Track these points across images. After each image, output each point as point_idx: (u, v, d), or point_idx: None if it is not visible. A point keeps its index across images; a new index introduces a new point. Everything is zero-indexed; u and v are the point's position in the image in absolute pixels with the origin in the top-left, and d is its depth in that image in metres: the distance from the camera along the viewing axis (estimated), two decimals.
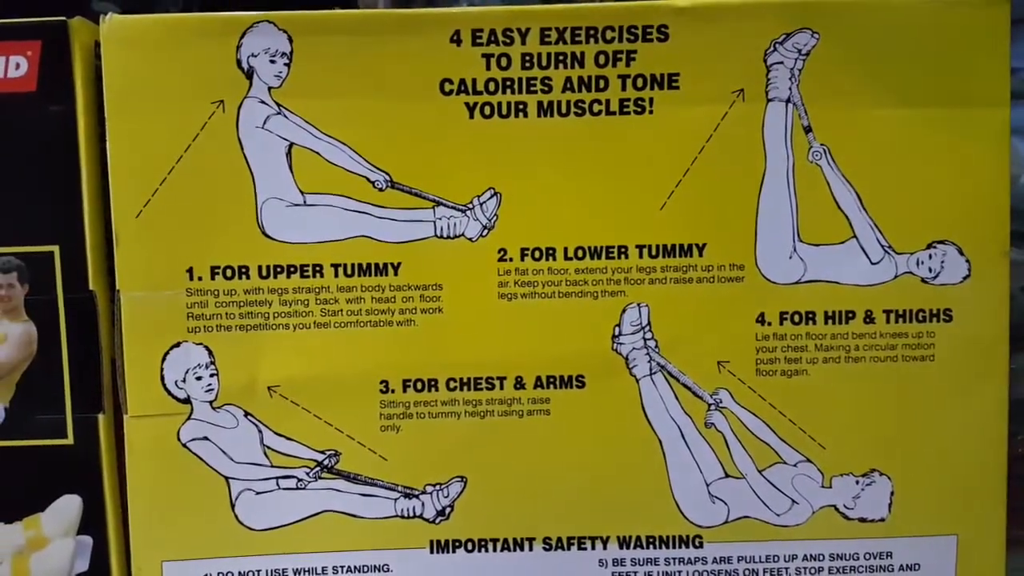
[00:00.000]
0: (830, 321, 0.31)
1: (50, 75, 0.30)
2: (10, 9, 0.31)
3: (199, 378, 0.31)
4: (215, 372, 0.31)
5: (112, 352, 0.31)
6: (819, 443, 0.31)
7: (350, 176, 0.31)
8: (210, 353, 0.31)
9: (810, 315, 0.31)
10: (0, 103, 0.30)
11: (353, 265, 0.31)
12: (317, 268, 0.31)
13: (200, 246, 0.31)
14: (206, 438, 0.31)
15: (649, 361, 0.31)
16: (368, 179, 0.31)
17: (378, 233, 0.31)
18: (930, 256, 0.31)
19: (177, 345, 0.31)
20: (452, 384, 0.32)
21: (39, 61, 0.30)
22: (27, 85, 0.30)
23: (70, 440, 0.31)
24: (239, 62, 0.30)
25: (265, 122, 0.30)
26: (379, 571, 0.32)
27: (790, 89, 0.30)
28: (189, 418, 0.31)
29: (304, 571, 0.32)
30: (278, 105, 0.30)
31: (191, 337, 0.31)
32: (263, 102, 0.30)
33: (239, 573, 0.32)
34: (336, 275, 0.31)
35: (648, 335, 0.31)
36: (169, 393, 0.31)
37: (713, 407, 0.31)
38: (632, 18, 0.30)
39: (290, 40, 0.30)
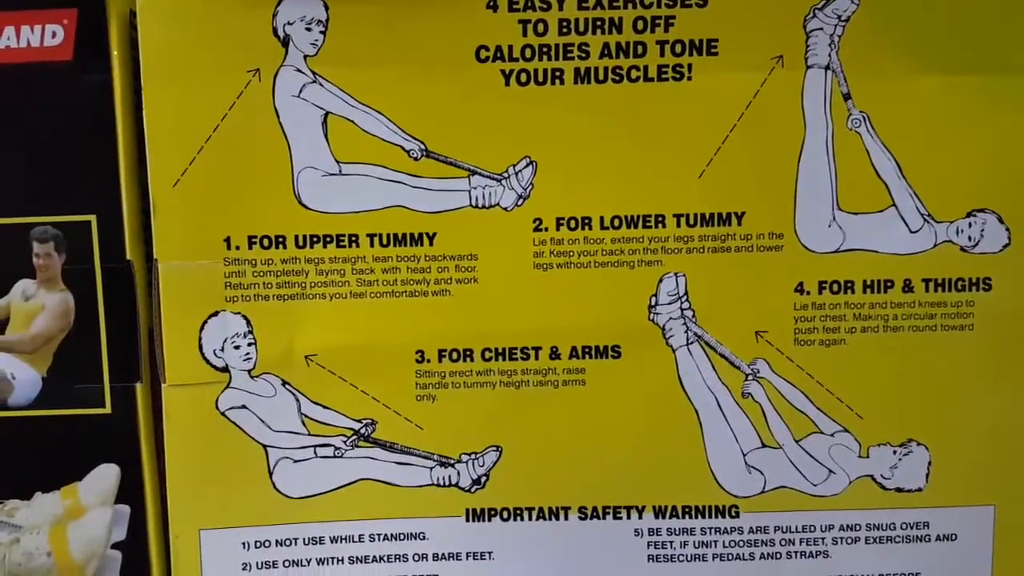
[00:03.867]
0: (869, 290, 0.35)
1: (86, 44, 0.34)
2: None
3: (237, 347, 0.35)
4: (253, 341, 0.36)
5: (149, 322, 0.36)
6: (856, 413, 0.36)
7: (385, 145, 0.35)
8: (248, 322, 0.35)
9: (849, 284, 0.35)
10: (36, 72, 0.34)
11: (389, 235, 0.35)
12: (353, 238, 0.35)
13: (237, 215, 0.35)
14: (244, 407, 0.36)
15: (686, 331, 0.35)
16: (403, 148, 0.35)
17: (413, 203, 0.35)
18: (970, 224, 0.35)
19: (215, 314, 0.35)
20: (487, 354, 0.36)
21: (75, 30, 0.34)
22: (63, 54, 0.34)
23: (108, 409, 0.36)
24: (275, 30, 0.34)
25: (301, 91, 0.35)
26: (415, 539, 0.37)
27: (829, 56, 0.34)
28: (227, 387, 0.36)
29: (341, 539, 0.37)
30: (314, 73, 0.34)
31: (229, 306, 0.35)
32: (299, 70, 0.34)
33: (276, 541, 0.36)
34: (372, 245, 0.35)
35: (685, 305, 0.35)
36: (207, 362, 0.35)
37: (750, 377, 0.36)
38: None
39: (326, 7, 0.34)
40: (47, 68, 0.34)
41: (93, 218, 0.35)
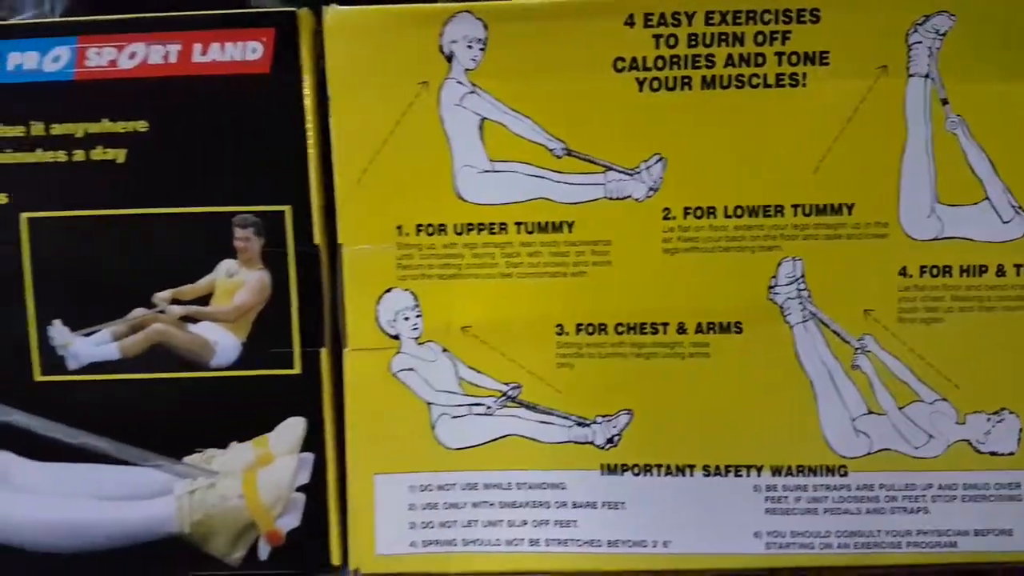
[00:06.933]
0: (965, 274, 0.44)
1: (282, 58, 0.44)
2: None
3: (407, 318, 0.46)
4: (419, 314, 0.46)
5: (333, 296, 0.47)
6: (954, 383, 0.44)
7: (532, 145, 0.44)
8: (415, 297, 0.46)
9: (947, 268, 0.44)
10: (239, 83, 0.45)
11: (533, 223, 0.45)
12: (502, 226, 0.46)
13: (407, 207, 0.45)
14: (412, 369, 0.46)
15: (802, 309, 0.45)
16: (547, 148, 0.45)
17: (555, 195, 0.45)
18: None
19: (389, 291, 0.46)
20: (620, 328, 0.46)
21: (273, 46, 0.45)
22: (262, 67, 0.45)
23: (297, 370, 0.47)
24: (441, 47, 0.44)
25: (462, 100, 0.45)
26: (555, 488, 0.47)
27: (928, 65, 0.42)
28: (398, 352, 0.46)
29: (492, 485, 0.47)
30: (472, 84, 0.45)
31: (400, 284, 0.46)
32: (460, 82, 0.44)
33: (437, 486, 0.47)
34: (519, 232, 0.45)
35: (802, 286, 0.44)
36: (382, 330, 0.46)
37: (859, 351, 0.45)
38: (788, 2, 0.42)
39: (485, 28, 0.44)
40: (248, 80, 0.45)
41: (288, 208, 0.46)
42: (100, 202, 0.45)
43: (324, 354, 0.46)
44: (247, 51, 0.45)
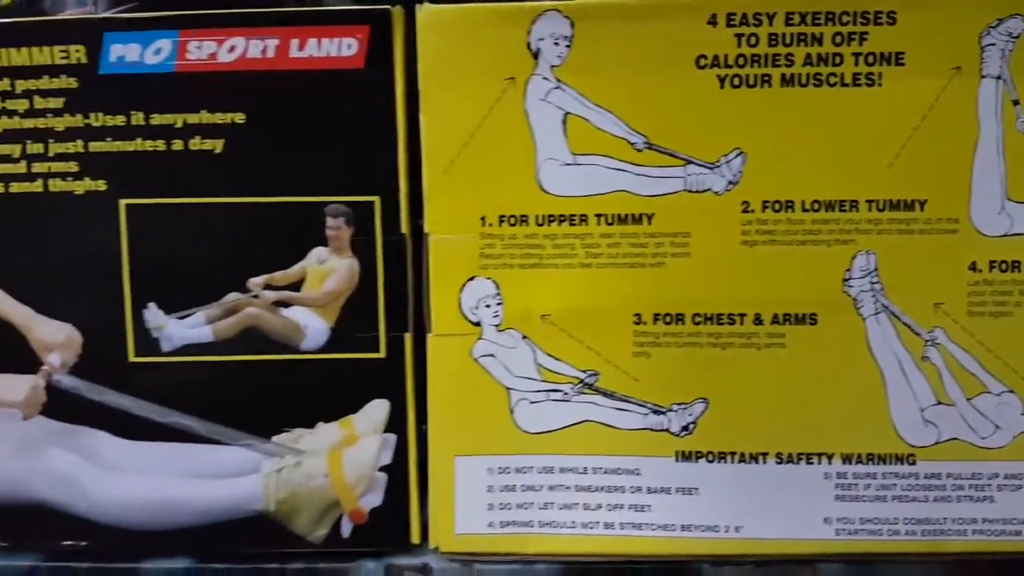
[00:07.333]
0: None
1: (375, 54, 0.46)
2: None
3: (488, 306, 0.48)
4: (500, 301, 0.48)
5: (417, 283, 0.49)
6: (1021, 376, 0.45)
7: (613, 139, 0.46)
8: (496, 286, 0.48)
9: (1015, 264, 0.45)
10: (333, 78, 0.47)
11: (613, 215, 0.47)
12: (583, 217, 0.47)
13: (491, 198, 0.47)
14: (492, 355, 0.48)
15: (875, 302, 0.46)
16: (628, 141, 0.46)
17: (635, 188, 0.47)
18: None
19: (472, 279, 0.47)
20: (697, 318, 0.47)
21: (367, 43, 0.47)
22: (356, 63, 0.47)
23: (382, 354, 0.48)
24: (528, 45, 0.46)
25: (547, 95, 0.46)
26: (630, 474, 0.48)
27: (1001, 67, 0.44)
28: (479, 338, 0.47)
29: (568, 469, 0.48)
30: (557, 80, 0.46)
31: (482, 272, 0.47)
32: (546, 78, 0.46)
33: (515, 468, 0.49)
34: (599, 223, 0.47)
35: (875, 279, 0.46)
36: (464, 317, 0.48)
37: (929, 343, 0.46)
38: (865, 5, 0.44)
39: (572, 25, 0.46)
40: (342, 74, 0.47)
41: (377, 199, 0.48)
42: (197, 190, 0.47)
43: (408, 339, 0.48)
44: (342, 47, 0.47)
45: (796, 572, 0.47)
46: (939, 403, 0.46)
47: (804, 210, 0.45)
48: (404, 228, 0.47)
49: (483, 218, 0.47)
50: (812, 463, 0.47)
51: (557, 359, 0.48)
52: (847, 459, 0.47)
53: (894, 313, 0.46)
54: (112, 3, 0.57)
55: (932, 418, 0.46)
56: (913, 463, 0.47)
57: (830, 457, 0.47)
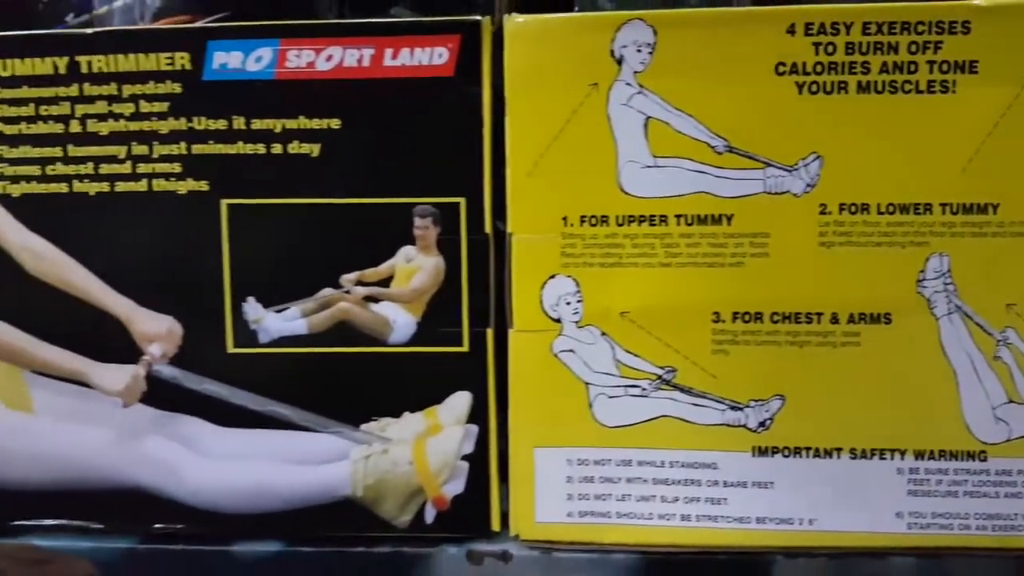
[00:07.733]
0: None
1: (465, 63, 0.49)
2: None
3: (568, 303, 0.50)
4: (580, 299, 0.50)
5: (500, 281, 0.51)
6: None
7: (694, 142, 0.48)
8: (577, 284, 0.49)
9: None
10: (426, 85, 0.49)
11: (693, 216, 0.49)
12: (663, 218, 0.49)
13: (572, 199, 0.48)
14: (572, 351, 0.50)
15: (948, 303, 0.47)
16: (709, 144, 0.48)
17: (715, 189, 0.48)
18: None
19: (553, 277, 0.49)
20: (775, 317, 0.49)
21: (457, 52, 0.50)
22: (447, 71, 0.49)
23: (465, 348, 0.50)
24: (612, 52, 0.48)
25: (629, 100, 0.48)
26: (707, 468, 0.50)
27: None
28: (559, 334, 0.49)
29: (645, 463, 0.50)
30: (640, 86, 0.48)
31: (563, 271, 0.49)
32: (629, 84, 0.48)
33: (594, 461, 0.50)
34: (679, 224, 0.49)
35: (948, 280, 0.47)
36: (545, 314, 0.49)
37: (1001, 343, 0.47)
38: (940, 15, 0.46)
39: (655, 33, 0.48)
40: (433, 82, 0.49)
41: (462, 200, 0.50)
42: (295, 191, 0.50)
43: (490, 334, 0.50)
44: (434, 56, 0.49)
45: (868, 564, 0.49)
46: (1010, 401, 0.47)
47: (880, 213, 0.47)
48: (488, 228, 0.49)
49: (565, 218, 0.49)
50: (885, 459, 0.48)
51: (635, 355, 0.49)
52: (919, 455, 0.48)
53: (967, 313, 0.47)
54: (204, 14, 0.59)
55: (1003, 416, 0.47)
56: (984, 460, 0.48)
57: (903, 453, 0.48)
